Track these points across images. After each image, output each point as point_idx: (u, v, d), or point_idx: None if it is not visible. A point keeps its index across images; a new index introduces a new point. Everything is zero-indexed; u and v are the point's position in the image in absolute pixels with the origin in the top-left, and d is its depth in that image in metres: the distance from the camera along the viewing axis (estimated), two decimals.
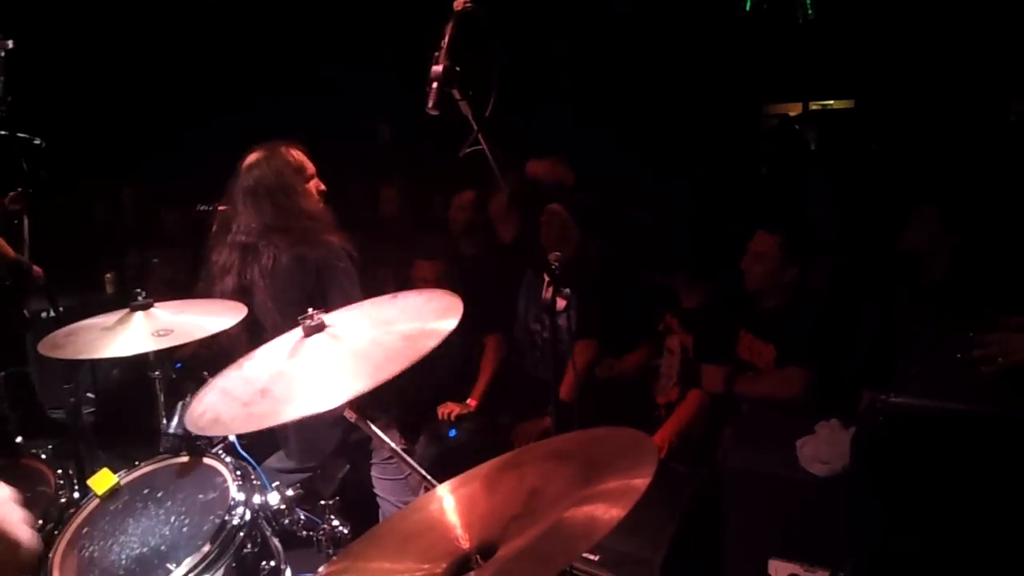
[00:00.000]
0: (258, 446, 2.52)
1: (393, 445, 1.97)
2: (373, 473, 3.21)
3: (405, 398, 3.91)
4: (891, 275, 3.77)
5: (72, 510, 2.17)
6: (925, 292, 3.35)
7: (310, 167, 3.07)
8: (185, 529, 2.05)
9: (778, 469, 3.00)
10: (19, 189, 4.05)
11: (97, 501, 2.17)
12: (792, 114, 10.49)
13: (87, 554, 2.02)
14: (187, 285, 3.29)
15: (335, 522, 2.17)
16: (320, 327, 1.85)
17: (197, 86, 8.11)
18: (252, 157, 3.03)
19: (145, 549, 2.00)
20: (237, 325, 2.53)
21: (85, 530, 2.09)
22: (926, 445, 1.88)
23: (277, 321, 2.86)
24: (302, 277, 2.93)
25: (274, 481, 2.27)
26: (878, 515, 1.99)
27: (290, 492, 2.24)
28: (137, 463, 2.31)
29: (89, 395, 4.21)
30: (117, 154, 7.64)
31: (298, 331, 1.88)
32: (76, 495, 2.35)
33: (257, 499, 2.15)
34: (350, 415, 1.88)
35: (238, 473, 2.19)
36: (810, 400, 3.38)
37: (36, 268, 4.26)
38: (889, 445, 1.90)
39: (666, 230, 4.80)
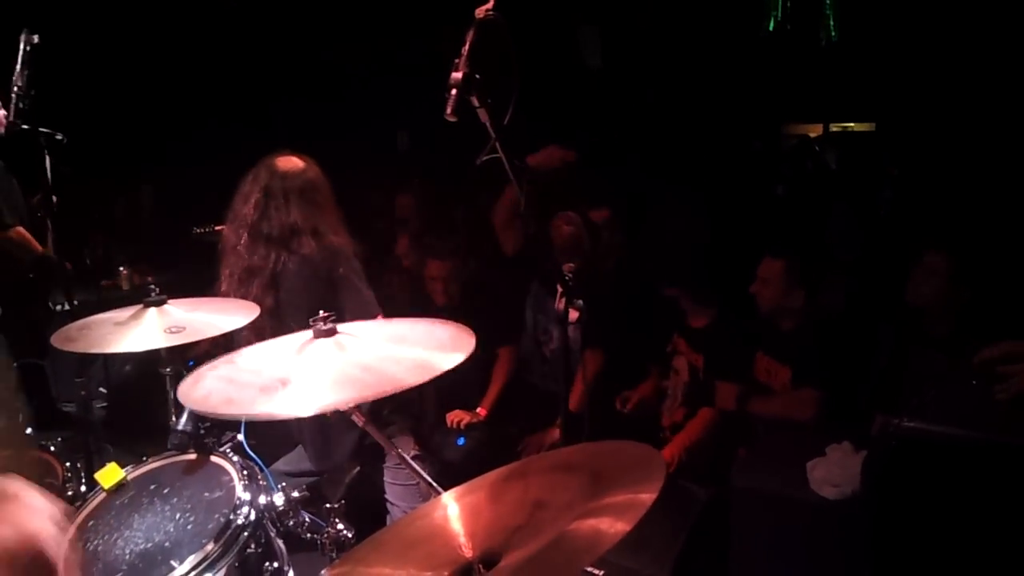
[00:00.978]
0: (265, 448, 2.52)
1: (399, 451, 1.96)
2: (385, 478, 3.22)
3: (414, 405, 3.91)
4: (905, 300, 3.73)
5: (78, 503, 2.18)
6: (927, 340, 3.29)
7: None
8: (190, 527, 2.05)
9: (788, 490, 2.98)
10: (44, 192, 4.10)
11: (103, 495, 2.18)
12: (812, 135, 10.45)
13: (92, 547, 2.02)
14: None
15: (340, 526, 2.17)
16: (331, 332, 1.84)
17: (217, 89, 8.16)
18: (295, 159, 3.09)
19: (149, 545, 2.01)
20: (248, 325, 2.54)
21: (91, 523, 2.10)
22: (939, 470, 1.86)
23: (284, 322, 2.88)
24: (310, 280, 2.95)
25: (281, 484, 2.27)
26: (888, 539, 1.97)
27: (295, 494, 2.24)
28: (145, 458, 2.31)
29: (101, 390, 4.22)
30: (137, 152, 7.70)
31: (307, 333, 1.87)
32: (83, 488, 2.35)
33: (263, 499, 2.15)
34: (359, 419, 1.87)
35: (245, 473, 2.19)
36: (822, 422, 3.35)
37: (66, 263, 4.30)
38: (901, 469, 1.88)
39: (679, 247, 4.79)
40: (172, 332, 2.45)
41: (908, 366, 3.20)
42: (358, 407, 1.84)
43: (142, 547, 2.00)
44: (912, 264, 3.34)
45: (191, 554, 1.94)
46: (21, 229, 4.13)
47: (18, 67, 3.35)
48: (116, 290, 5.57)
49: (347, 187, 3.18)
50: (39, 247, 4.15)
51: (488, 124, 1.83)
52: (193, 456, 2.30)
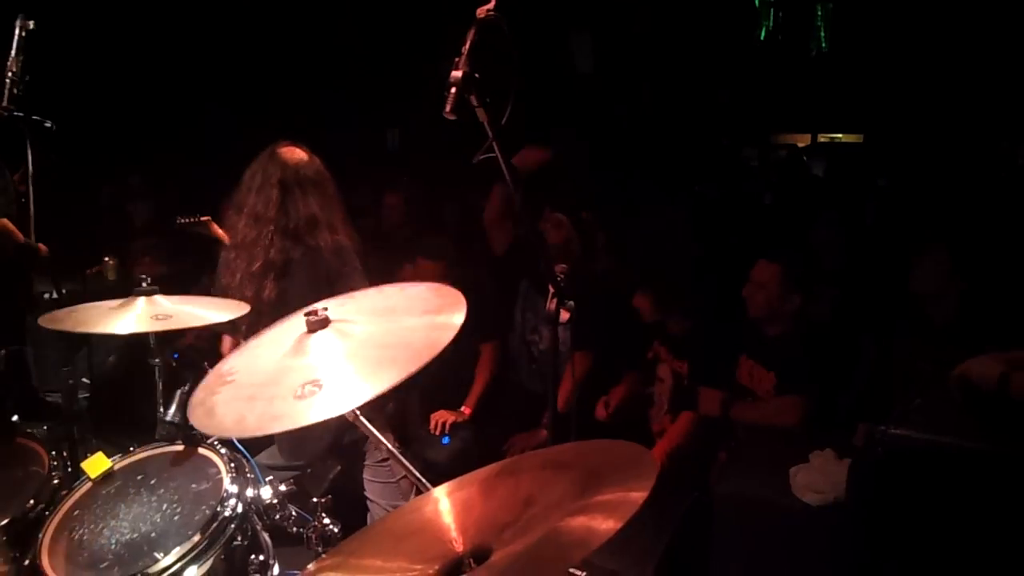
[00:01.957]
0: (250, 441, 2.51)
1: (390, 446, 1.96)
2: (365, 475, 3.21)
3: (398, 403, 3.91)
4: (893, 310, 3.78)
5: (64, 492, 2.17)
6: (928, 329, 3.36)
7: None
8: (176, 518, 2.05)
9: (770, 495, 3.00)
10: (25, 169, 4.07)
11: (90, 484, 2.17)
12: (800, 145, 10.52)
13: (77, 536, 2.02)
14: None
15: (326, 520, 2.17)
16: (324, 322, 1.83)
17: (206, 84, 8.14)
18: (299, 150, 3.08)
19: (135, 535, 2.01)
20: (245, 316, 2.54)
21: (76, 512, 2.09)
22: (924, 478, 1.88)
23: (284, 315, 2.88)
24: (315, 275, 2.95)
25: (268, 477, 2.27)
26: (871, 545, 1.99)
27: (283, 488, 2.24)
28: (132, 448, 2.31)
29: (85, 380, 4.20)
30: (125, 143, 7.67)
31: (298, 327, 1.84)
32: (69, 478, 2.34)
33: (250, 492, 2.15)
34: (349, 414, 1.87)
35: (232, 465, 2.19)
36: (806, 429, 3.38)
37: (40, 245, 4.27)
38: (887, 476, 1.90)
39: (660, 252, 4.82)
40: (159, 319, 2.44)
41: (894, 369, 3.25)
42: None
43: (128, 537, 2.00)
44: (915, 255, 3.43)
45: (177, 545, 1.94)
46: (4, 220, 4.10)
47: (13, 53, 3.33)
48: (101, 279, 5.54)
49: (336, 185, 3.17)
50: (20, 236, 4.12)
51: (486, 123, 1.84)
52: (180, 447, 2.30)
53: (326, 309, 1.82)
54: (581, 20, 8.46)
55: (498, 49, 1.84)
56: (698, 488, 3.37)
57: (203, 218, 3.61)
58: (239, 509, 2.07)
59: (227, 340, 3.23)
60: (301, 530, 2.18)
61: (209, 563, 1.97)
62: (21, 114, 3.51)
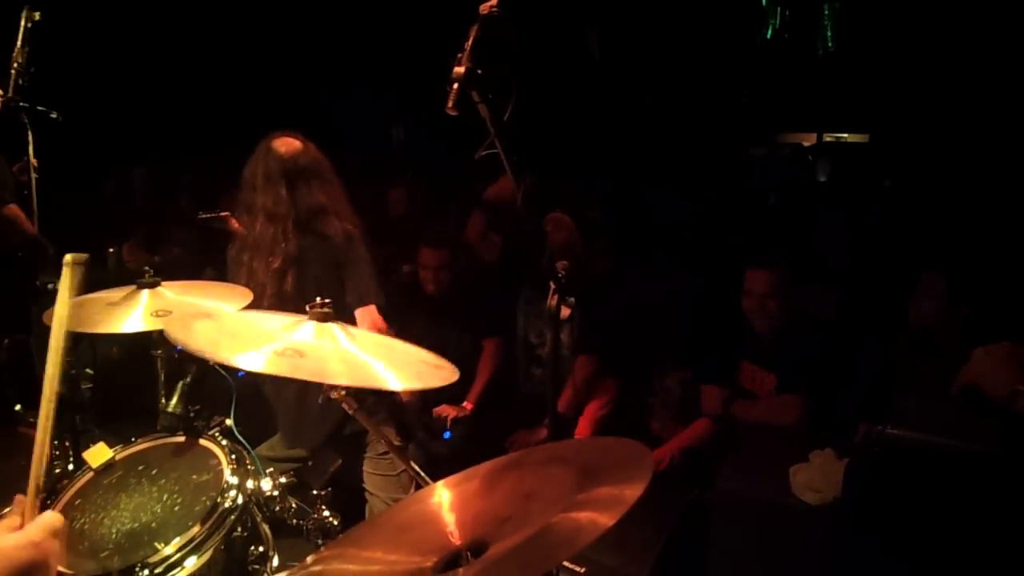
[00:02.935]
0: (250, 432, 2.52)
1: (388, 439, 1.97)
2: (365, 468, 3.22)
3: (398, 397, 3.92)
4: (896, 312, 3.76)
5: (65, 481, 2.18)
6: (929, 346, 3.32)
7: None
8: (177, 508, 2.06)
9: (770, 494, 3.01)
10: (25, 160, 4.09)
11: (91, 474, 2.17)
12: (806, 144, 10.51)
13: (78, 525, 2.02)
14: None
15: (325, 513, 2.18)
16: (326, 318, 1.84)
17: (213, 80, 8.15)
18: (294, 139, 3.07)
19: (136, 525, 2.01)
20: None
21: (78, 502, 2.10)
22: (920, 478, 1.88)
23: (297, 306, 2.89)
24: (323, 263, 2.96)
25: (268, 469, 2.28)
26: (867, 544, 2.00)
27: (283, 480, 2.25)
28: (133, 439, 2.32)
29: (88, 371, 4.22)
30: (129, 135, 7.69)
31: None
32: (71, 467, 2.35)
33: (250, 484, 2.16)
34: (349, 407, 1.88)
35: (233, 457, 2.20)
36: (806, 429, 3.38)
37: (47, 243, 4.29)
38: (883, 475, 1.91)
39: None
40: (159, 315, 2.43)
41: (895, 376, 3.24)
42: (348, 394, 1.86)
43: (129, 527, 2.01)
44: (910, 286, 3.38)
45: (177, 535, 1.95)
46: (15, 207, 4.12)
47: (18, 43, 3.35)
48: (101, 270, 5.55)
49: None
50: (32, 228, 4.15)
51: (488, 120, 1.84)
52: (182, 439, 2.30)
53: (329, 303, 1.83)
54: (586, 16, 8.47)
55: (501, 45, 1.85)
56: (699, 486, 3.38)
57: (223, 214, 3.62)
58: (239, 500, 2.08)
59: None
60: (301, 522, 2.20)
61: (209, 554, 1.97)
62: (27, 105, 3.52)
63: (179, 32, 7.85)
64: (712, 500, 3.15)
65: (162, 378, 2.54)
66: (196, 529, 1.97)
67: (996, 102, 7.45)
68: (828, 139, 10.87)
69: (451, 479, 1.43)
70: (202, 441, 2.29)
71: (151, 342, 2.59)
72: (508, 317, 4.43)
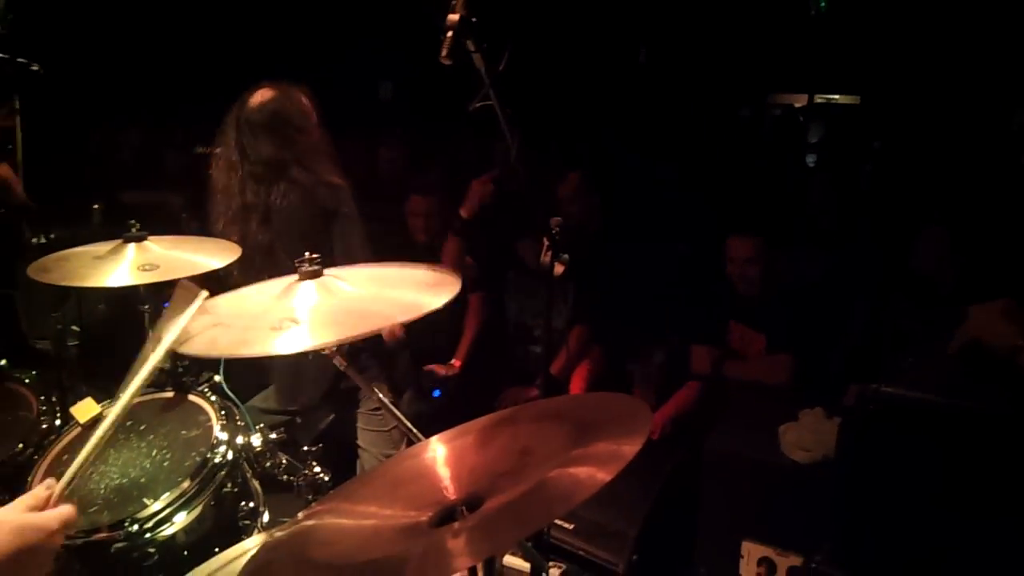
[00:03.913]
0: (241, 387, 2.50)
1: (380, 395, 1.96)
2: (359, 423, 3.21)
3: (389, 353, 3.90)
4: (887, 272, 3.77)
5: (53, 436, 2.16)
6: (925, 296, 3.36)
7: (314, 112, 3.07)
8: (166, 464, 2.05)
9: (759, 453, 3.02)
10: (9, 109, 3.99)
11: (79, 430, 2.16)
12: (797, 105, 10.46)
13: None
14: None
15: (316, 469, 2.17)
16: (317, 274, 1.81)
17: (201, 34, 8.02)
18: (266, 91, 3.00)
19: (125, 480, 2.00)
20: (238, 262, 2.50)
21: (65, 457, 2.08)
22: (914, 436, 1.88)
23: (277, 260, 2.85)
24: (308, 216, 2.92)
25: (257, 422, 2.26)
26: (859, 503, 2.01)
27: (273, 436, 2.24)
28: (122, 395, 2.29)
29: (74, 328, 4.19)
30: (116, 91, 7.56)
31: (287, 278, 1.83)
32: (58, 423, 2.33)
33: (240, 440, 2.16)
34: (340, 363, 1.86)
35: (223, 413, 2.19)
36: (795, 388, 3.39)
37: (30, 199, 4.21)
38: (877, 434, 1.91)
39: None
40: (145, 270, 2.39)
41: (886, 331, 3.26)
42: (339, 350, 1.83)
43: (117, 482, 2.00)
44: (904, 245, 3.42)
45: (166, 491, 1.94)
46: (7, 168, 4.04)
47: None
48: (84, 227, 5.47)
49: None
50: (20, 189, 4.07)
51: (482, 70, 1.81)
52: (171, 394, 2.29)
53: (318, 258, 1.79)
54: None
55: None
56: (689, 445, 3.39)
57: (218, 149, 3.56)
58: (229, 456, 2.07)
59: None
60: (291, 478, 2.19)
61: (198, 509, 1.97)
62: (5, 56, 3.42)
63: None
64: (702, 459, 3.16)
65: (149, 332, 2.50)
66: (185, 484, 1.96)
67: (986, 67, 7.41)
68: (819, 100, 10.83)
69: (445, 434, 1.41)
70: (191, 397, 2.28)
71: (138, 297, 2.56)
72: (496, 270, 4.38)
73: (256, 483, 2.18)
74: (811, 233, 4.71)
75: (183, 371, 2.31)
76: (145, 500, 1.92)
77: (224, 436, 2.10)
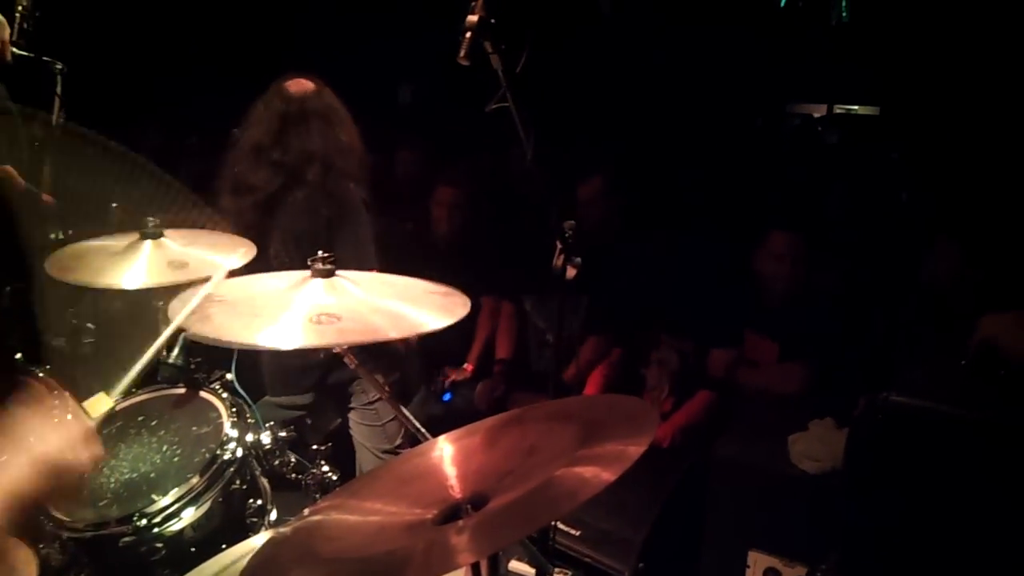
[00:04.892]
0: (250, 387, 2.51)
1: (389, 398, 1.96)
2: (352, 417, 3.20)
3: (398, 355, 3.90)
4: (903, 283, 3.74)
5: None
6: (935, 306, 3.33)
7: None
8: (176, 459, 2.07)
9: (768, 462, 3.00)
10: (38, 113, 4.05)
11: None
12: (816, 115, 10.42)
13: None
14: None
15: (324, 468, 2.18)
16: (329, 273, 1.81)
17: (219, 34, 8.08)
18: (306, 83, 3.02)
19: (135, 475, 2.02)
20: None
21: None
22: (923, 446, 1.87)
23: (278, 251, 2.86)
24: (308, 218, 2.92)
25: (270, 416, 2.28)
26: (867, 513, 1.99)
27: (283, 434, 2.25)
28: (134, 390, 2.31)
29: (89, 325, 4.22)
30: (139, 89, 7.62)
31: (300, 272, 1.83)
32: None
33: (250, 437, 2.17)
34: (350, 360, 1.87)
35: (233, 410, 2.20)
36: (807, 397, 3.37)
37: (46, 197, 4.25)
38: (885, 443, 1.90)
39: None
40: (177, 267, 2.37)
41: (901, 346, 3.23)
42: (350, 350, 1.84)
43: (127, 476, 2.02)
44: (925, 250, 3.38)
45: (175, 486, 1.96)
46: (7, 167, 4.07)
47: None
48: (103, 226, 5.52)
49: None
50: (22, 183, 4.10)
51: (500, 71, 1.81)
52: (182, 390, 2.30)
53: (331, 257, 1.80)
54: None
55: None
56: (697, 453, 3.38)
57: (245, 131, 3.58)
58: (238, 453, 2.09)
59: None
60: (299, 476, 2.20)
61: (207, 505, 1.98)
62: (31, 55, 3.45)
63: None
64: (710, 467, 3.15)
65: (163, 329, 2.52)
66: (195, 480, 1.98)
67: (1010, 79, 7.36)
68: (838, 111, 10.78)
69: (452, 434, 1.42)
70: (203, 393, 2.29)
71: (153, 292, 2.57)
72: (511, 274, 4.37)
73: (264, 481, 2.19)
74: (827, 242, 4.69)
75: (195, 368, 2.32)
76: (154, 495, 1.94)
77: (234, 433, 2.11)
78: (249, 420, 2.22)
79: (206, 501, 1.98)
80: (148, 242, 2.45)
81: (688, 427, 3.62)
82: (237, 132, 3.11)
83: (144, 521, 1.88)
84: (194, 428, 2.17)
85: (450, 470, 1.32)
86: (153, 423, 2.19)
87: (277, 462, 2.23)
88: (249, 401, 2.34)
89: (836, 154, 8.33)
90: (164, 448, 2.10)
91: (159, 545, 1.89)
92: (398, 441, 3.14)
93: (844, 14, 9.31)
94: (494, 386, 4.11)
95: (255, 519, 2.10)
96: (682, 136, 7.53)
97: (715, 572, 3.06)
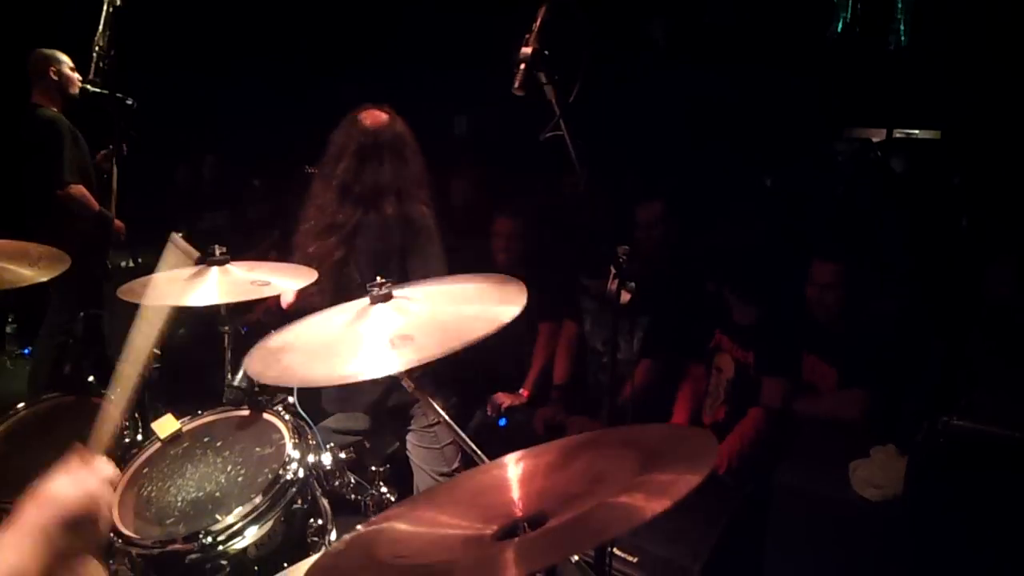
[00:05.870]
0: (311, 410, 2.56)
1: (448, 420, 1.98)
2: (409, 439, 3.22)
3: (460, 377, 3.92)
4: (965, 310, 3.68)
5: (135, 450, 2.25)
6: (1004, 332, 3.26)
7: None
8: (240, 479, 2.12)
9: (829, 490, 2.97)
10: (110, 147, 4.24)
11: (159, 444, 2.25)
12: (875, 140, 10.29)
13: (145, 493, 2.09)
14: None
15: (383, 489, 2.21)
16: (387, 297, 1.86)
17: (276, 66, 8.29)
18: (379, 114, 3.07)
19: (200, 494, 2.08)
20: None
21: (145, 470, 2.17)
22: (987, 472, 1.84)
23: (349, 277, 2.91)
24: (383, 246, 2.98)
25: (328, 442, 2.32)
26: (927, 541, 1.96)
27: (343, 455, 2.29)
28: (200, 412, 2.38)
29: (156, 351, 4.34)
30: (201, 121, 7.86)
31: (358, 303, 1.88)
32: (139, 437, 2.43)
33: (311, 458, 2.21)
34: (408, 384, 1.90)
35: (295, 432, 2.25)
36: (868, 424, 3.32)
37: (118, 223, 4.43)
38: (947, 467, 1.87)
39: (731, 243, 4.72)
40: (259, 285, 2.47)
41: (966, 371, 3.17)
42: (409, 373, 1.87)
43: (193, 495, 2.08)
44: (987, 266, 3.34)
45: (239, 505, 2.00)
46: (81, 187, 4.25)
47: (100, 27, 3.43)
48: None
49: None
50: (95, 205, 4.27)
51: (553, 101, 1.85)
52: (246, 412, 2.37)
53: (387, 283, 1.85)
54: (655, 5, 8.42)
55: (569, 27, 1.85)
56: (756, 479, 3.34)
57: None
58: (300, 474, 2.13)
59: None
60: (359, 497, 2.24)
61: (269, 524, 2.03)
62: (105, 91, 3.61)
63: (252, 18, 7.99)
64: (769, 494, 3.11)
65: (228, 354, 2.60)
66: (258, 500, 2.02)
67: None
68: (898, 135, 10.64)
69: (525, 452, 1.44)
70: (266, 415, 2.34)
71: (218, 319, 2.65)
72: (566, 304, 4.39)
73: (325, 501, 2.23)
74: (888, 267, 4.62)
75: (259, 390, 2.38)
76: (218, 514, 1.99)
77: (296, 454, 2.16)
78: (311, 442, 2.27)
79: (268, 520, 2.03)
80: (214, 269, 2.53)
81: (743, 451, 3.58)
82: (313, 169, 3.19)
83: (209, 539, 1.93)
84: (257, 449, 2.22)
85: (517, 489, 1.34)
86: (218, 444, 2.25)
87: (337, 483, 2.27)
88: (311, 423, 2.39)
89: (897, 180, 8.20)
90: (228, 468, 2.16)
91: (223, 563, 1.94)
92: (456, 464, 3.16)
93: (903, 38, 9.21)
94: (554, 412, 4.12)
95: (316, 538, 2.14)
96: (743, 161, 7.51)
97: None
